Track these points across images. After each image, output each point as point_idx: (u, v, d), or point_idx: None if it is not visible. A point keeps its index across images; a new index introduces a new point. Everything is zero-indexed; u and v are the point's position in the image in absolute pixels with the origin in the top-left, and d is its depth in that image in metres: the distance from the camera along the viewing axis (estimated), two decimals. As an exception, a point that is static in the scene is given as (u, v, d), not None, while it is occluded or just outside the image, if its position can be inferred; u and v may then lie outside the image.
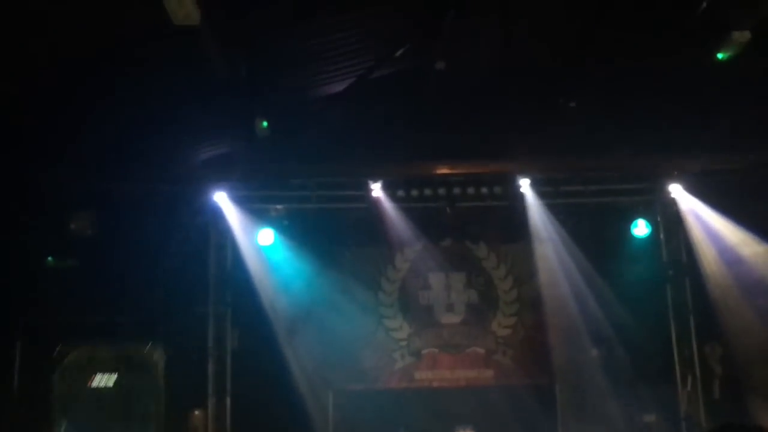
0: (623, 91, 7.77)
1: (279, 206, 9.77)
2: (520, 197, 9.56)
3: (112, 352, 8.82)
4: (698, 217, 9.50)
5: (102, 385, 8.64)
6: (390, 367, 9.97)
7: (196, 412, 9.35)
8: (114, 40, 6.36)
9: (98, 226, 8.83)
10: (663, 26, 6.80)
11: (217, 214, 9.60)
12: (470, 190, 9.54)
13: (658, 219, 9.95)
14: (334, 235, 9.82)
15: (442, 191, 9.57)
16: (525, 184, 9.49)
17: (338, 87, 8.21)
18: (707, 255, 9.51)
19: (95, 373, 8.66)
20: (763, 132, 7.85)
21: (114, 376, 8.66)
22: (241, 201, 9.58)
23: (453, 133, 8.43)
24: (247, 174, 9.34)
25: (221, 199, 9.51)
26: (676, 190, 9.53)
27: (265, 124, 8.12)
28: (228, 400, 9.60)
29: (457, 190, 9.56)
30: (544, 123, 8.23)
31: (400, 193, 9.58)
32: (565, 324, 9.69)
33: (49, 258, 9.09)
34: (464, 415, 9.20)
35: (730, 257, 9.28)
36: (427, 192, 9.60)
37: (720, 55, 6.65)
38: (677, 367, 9.71)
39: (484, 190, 9.57)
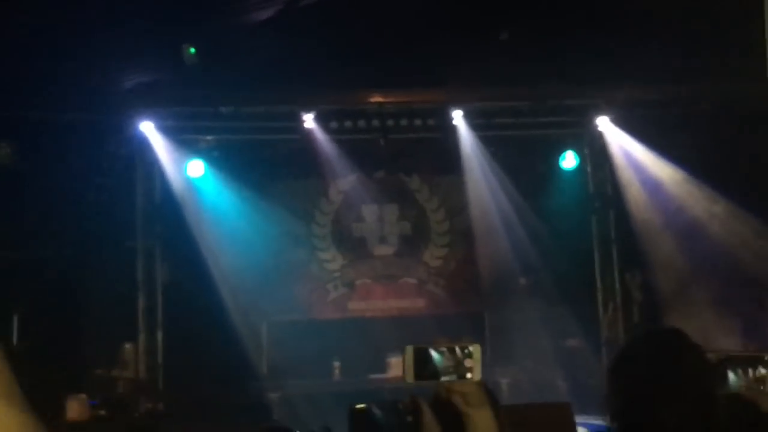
0: (556, 22, 7.80)
1: (209, 137, 9.55)
2: (453, 129, 9.60)
3: None
4: (624, 150, 9.76)
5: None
6: (324, 297, 10.06)
7: (127, 346, 9.27)
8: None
9: (17, 157, 8.46)
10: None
11: (143, 145, 9.31)
12: (404, 122, 9.53)
13: (586, 151, 10.18)
14: (266, 166, 9.69)
15: (375, 123, 9.52)
16: (458, 116, 9.52)
17: (268, 13, 7.97)
18: (632, 187, 9.81)
19: None
20: (690, 64, 8.04)
21: None
22: (168, 131, 9.31)
23: (386, 62, 8.33)
24: (175, 102, 9.06)
25: (148, 128, 9.21)
26: (604, 123, 9.74)
27: (192, 50, 7.85)
28: (159, 334, 9.54)
29: (390, 122, 9.53)
30: (478, 54, 8.22)
31: (333, 124, 9.49)
32: (494, 254, 9.93)
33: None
34: (396, 343, 9.39)
35: (653, 189, 9.61)
36: (361, 123, 9.53)
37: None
38: (599, 294, 10.13)
39: (417, 121, 9.56)
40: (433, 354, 2.05)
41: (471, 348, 2.02)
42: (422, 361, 2.04)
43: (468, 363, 2.01)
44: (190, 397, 8.72)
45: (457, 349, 2.04)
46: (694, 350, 1.97)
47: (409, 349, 2.03)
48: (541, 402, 6.76)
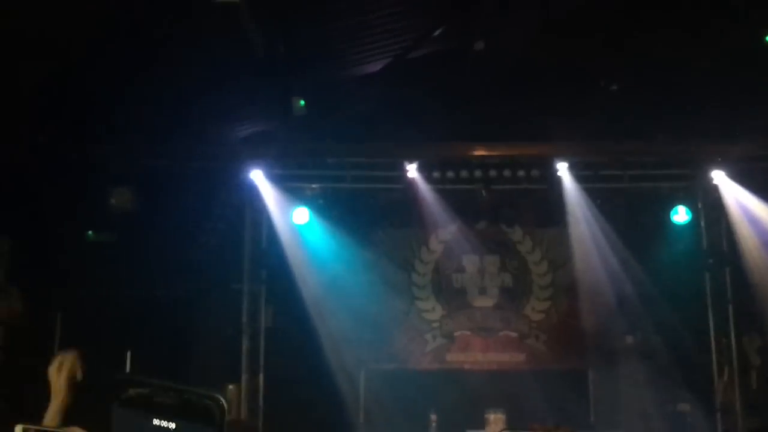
0: (665, 74, 7.61)
1: (314, 185, 9.79)
2: (558, 181, 9.43)
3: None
4: (740, 205, 9.28)
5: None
6: (422, 348, 9.99)
7: (230, 387, 9.50)
8: (155, 15, 6.42)
9: (137, 202, 8.97)
10: (709, 7, 6.63)
11: (253, 192, 9.66)
12: (506, 173, 9.44)
13: (699, 206, 9.75)
14: (368, 215, 9.83)
15: (478, 173, 9.48)
16: (563, 168, 9.35)
17: (375, 66, 8.19)
18: (748, 243, 9.30)
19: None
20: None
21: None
22: (277, 179, 9.63)
23: (490, 114, 8.36)
24: (283, 152, 9.38)
25: (257, 177, 9.57)
26: (718, 177, 9.31)
27: (302, 102, 8.15)
28: (261, 377, 9.72)
29: (493, 173, 9.46)
30: (584, 106, 8.12)
31: (436, 174, 9.52)
32: (600, 310, 9.59)
33: (89, 232, 9.27)
34: (495, 398, 9.17)
35: (772, 246, 9.07)
36: (463, 174, 9.52)
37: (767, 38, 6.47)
38: (714, 357, 9.55)
39: (520, 172, 9.45)
40: None
41: None
42: None
43: None
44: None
45: None
46: None
47: None
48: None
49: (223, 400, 0.81)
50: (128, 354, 8.76)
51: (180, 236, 9.16)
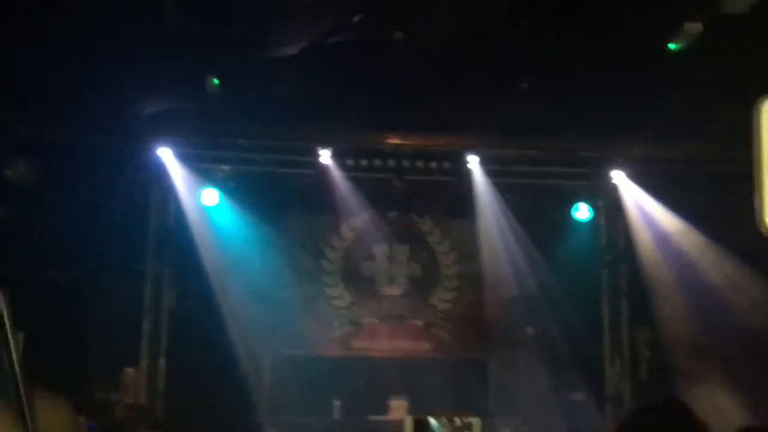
0: (575, 74, 7.86)
1: (225, 167, 9.62)
2: (468, 174, 9.63)
3: None
4: (638, 205, 9.74)
5: None
6: (329, 334, 10.00)
7: (129, 370, 9.22)
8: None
9: (36, 175, 8.54)
10: (618, 13, 6.88)
11: (160, 171, 9.39)
12: (419, 164, 9.57)
13: (599, 204, 10.17)
14: (280, 200, 9.73)
15: (391, 163, 9.57)
16: (473, 161, 9.56)
17: (293, 49, 8.09)
18: (644, 242, 9.76)
19: None
20: (707, 124, 8.06)
21: None
22: (186, 159, 9.39)
23: (406, 104, 8.41)
24: (194, 131, 9.15)
25: (165, 155, 9.30)
26: (618, 177, 9.74)
27: (216, 81, 7.96)
28: (162, 360, 9.50)
29: (406, 163, 9.58)
30: (497, 101, 8.29)
31: (349, 161, 9.54)
32: (503, 301, 9.86)
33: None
34: (399, 385, 9.30)
35: (665, 246, 9.55)
36: (377, 163, 9.59)
37: (671, 45, 6.79)
38: (607, 349, 10.01)
39: (433, 164, 9.61)
40: (433, 423, 2.03)
41: (471, 420, 1.99)
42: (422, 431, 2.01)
43: None
44: (188, 426, 8.63)
45: (458, 420, 2.01)
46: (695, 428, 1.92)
47: (409, 420, 2.01)
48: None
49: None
50: (21, 337, 8.34)
51: (80, 213, 8.79)
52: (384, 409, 9.06)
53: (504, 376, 9.57)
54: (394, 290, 10.16)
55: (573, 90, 7.96)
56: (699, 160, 9.18)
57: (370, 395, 9.23)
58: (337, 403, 9.27)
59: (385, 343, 10.04)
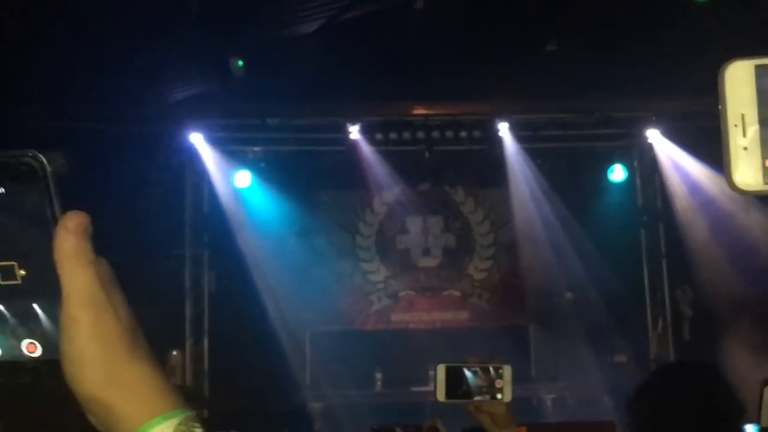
0: (604, 33, 7.70)
1: (256, 148, 9.68)
2: (499, 141, 9.54)
3: None
4: (674, 163, 9.55)
5: None
6: (367, 309, 10.07)
7: (174, 353, 9.41)
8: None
9: (70, 167, 8.68)
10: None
11: (192, 156, 9.48)
12: (449, 134, 9.49)
13: (635, 164, 10.00)
14: (311, 177, 9.77)
15: (420, 134, 9.51)
16: (504, 128, 9.45)
17: (314, 25, 8.06)
18: (681, 200, 9.59)
19: None
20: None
21: None
22: (217, 142, 9.46)
23: (431, 74, 8.33)
24: (223, 114, 9.21)
25: (197, 140, 9.38)
26: (653, 135, 9.55)
27: (240, 63, 7.98)
28: (206, 342, 9.67)
29: (435, 134, 9.50)
30: (525, 65, 8.16)
31: (379, 136, 9.51)
32: (540, 268, 9.80)
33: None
34: (439, 356, 9.32)
35: (704, 203, 9.37)
36: (406, 135, 9.53)
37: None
38: (649, 310, 9.90)
39: (462, 133, 9.52)
40: (466, 373, 2.03)
41: (503, 369, 1.99)
42: (454, 380, 2.02)
43: (499, 384, 1.98)
44: (234, 405, 8.80)
45: (491, 369, 2.01)
46: (719, 388, 1.89)
47: (442, 368, 2.01)
48: (585, 421, 6.63)
49: (39, 154, 0.77)
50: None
51: (117, 202, 8.93)
52: (425, 380, 9.09)
53: (544, 343, 9.54)
54: (429, 262, 10.17)
55: (602, 49, 7.79)
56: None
57: (411, 367, 9.28)
58: (378, 375, 9.36)
59: (423, 315, 10.07)
